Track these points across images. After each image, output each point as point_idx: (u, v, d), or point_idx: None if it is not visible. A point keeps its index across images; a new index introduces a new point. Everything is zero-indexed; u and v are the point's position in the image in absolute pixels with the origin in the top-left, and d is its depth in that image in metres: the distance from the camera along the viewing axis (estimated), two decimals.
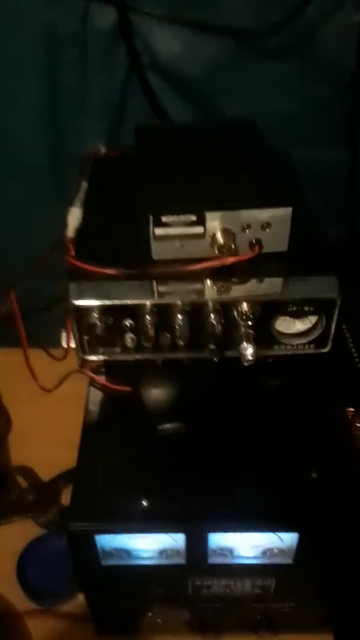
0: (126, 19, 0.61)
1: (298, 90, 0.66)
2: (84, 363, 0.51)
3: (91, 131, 0.67)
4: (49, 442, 0.67)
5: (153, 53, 0.64)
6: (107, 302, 0.46)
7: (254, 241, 0.47)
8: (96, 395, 0.55)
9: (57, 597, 0.60)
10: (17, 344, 0.61)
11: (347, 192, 0.71)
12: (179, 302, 0.46)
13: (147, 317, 0.46)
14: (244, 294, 0.47)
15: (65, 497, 0.65)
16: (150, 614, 0.55)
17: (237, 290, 0.47)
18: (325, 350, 0.50)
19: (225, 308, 0.47)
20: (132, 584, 0.52)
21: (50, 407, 0.67)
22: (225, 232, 0.46)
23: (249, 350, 0.46)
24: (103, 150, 0.65)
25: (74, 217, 0.54)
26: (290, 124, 0.66)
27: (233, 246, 0.46)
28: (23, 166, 0.69)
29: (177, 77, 0.65)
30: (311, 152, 0.67)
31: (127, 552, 0.48)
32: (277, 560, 0.48)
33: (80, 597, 0.59)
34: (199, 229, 0.46)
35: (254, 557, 0.48)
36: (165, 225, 0.45)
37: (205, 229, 0.46)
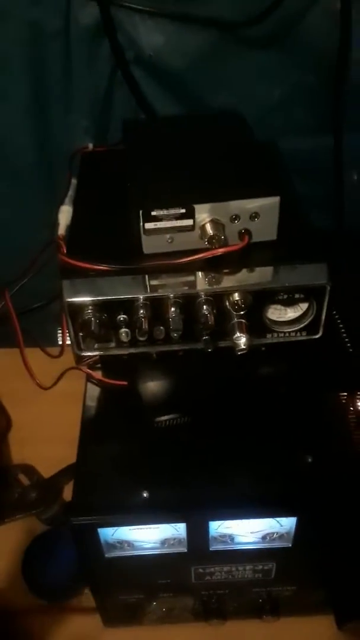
0: (108, 14, 0.61)
1: (282, 80, 0.66)
2: (80, 359, 0.52)
3: (78, 127, 0.67)
4: (49, 439, 0.67)
5: (137, 47, 0.64)
6: (101, 298, 0.46)
7: (243, 231, 0.47)
8: (93, 391, 0.56)
9: (63, 593, 0.60)
10: (14, 343, 0.61)
11: (332, 180, 0.71)
12: (171, 295, 0.46)
13: (141, 311, 0.46)
14: (235, 284, 0.47)
15: (67, 493, 0.65)
16: (155, 603, 0.56)
17: (228, 281, 0.47)
18: (317, 336, 0.50)
19: (217, 299, 0.47)
20: (136, 574, 0.52)
21: (48, 405, 0.68)
22: (215, 223, 0.46)
23: (242, 340, 0.47)
24: (91, 146, 0.65)
25: (65, 214, 0.55)
26: (275, 113, 0.67)
27: (223, 237, 0.47)
28: (12, 164, 0.69)
29: (161, 70, 0.65)
30: (297, 141, 0.68)
31: (130, 543, 0.49)
32: (277, 544, 0.49)
33: (86, 590, 0.60)
34: (188, 222, 0.46)
35: (254, 542, 0.49)
36: (155, 219, 0.46)
37: (194, 221, 0.46)
